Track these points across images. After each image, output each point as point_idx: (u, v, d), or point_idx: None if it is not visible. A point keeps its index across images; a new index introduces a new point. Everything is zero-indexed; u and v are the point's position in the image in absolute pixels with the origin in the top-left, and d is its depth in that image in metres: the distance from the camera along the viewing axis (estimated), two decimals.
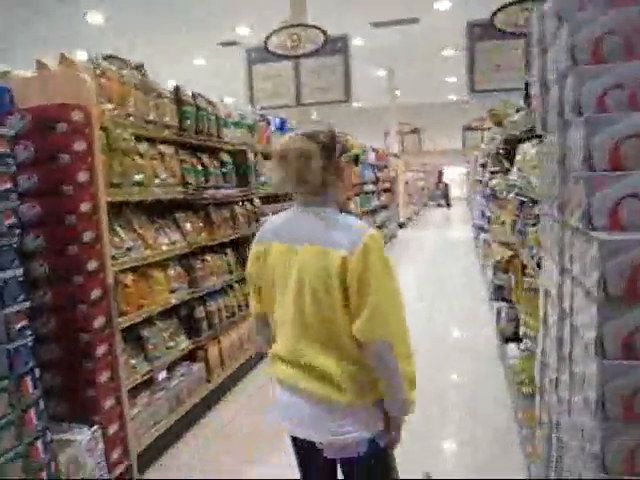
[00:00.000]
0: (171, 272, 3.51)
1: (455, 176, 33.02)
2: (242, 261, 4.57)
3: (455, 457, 3.34)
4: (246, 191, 4.57)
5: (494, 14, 7.46)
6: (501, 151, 5.23)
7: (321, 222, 1.66)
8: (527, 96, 3.44)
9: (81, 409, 2.60)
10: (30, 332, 2.17)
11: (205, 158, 4.01)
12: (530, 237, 3.38)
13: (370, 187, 11.08)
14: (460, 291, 7.48)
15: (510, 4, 7.42)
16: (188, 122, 3.67)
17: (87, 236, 2.56)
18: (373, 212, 11.53)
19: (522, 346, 3.66)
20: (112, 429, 2.69)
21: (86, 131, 2.57)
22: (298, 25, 7.97)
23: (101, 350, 2.63)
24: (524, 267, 4.08)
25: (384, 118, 20.47)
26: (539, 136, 3.57)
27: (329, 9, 9.23)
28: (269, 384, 1.84)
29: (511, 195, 3.92)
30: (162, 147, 3.44)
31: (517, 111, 4.14)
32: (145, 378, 3.14)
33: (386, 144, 21.20)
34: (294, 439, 1.81)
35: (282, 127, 5.67)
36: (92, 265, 2.59)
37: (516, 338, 4.49)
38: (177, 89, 3.59)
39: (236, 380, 4.35)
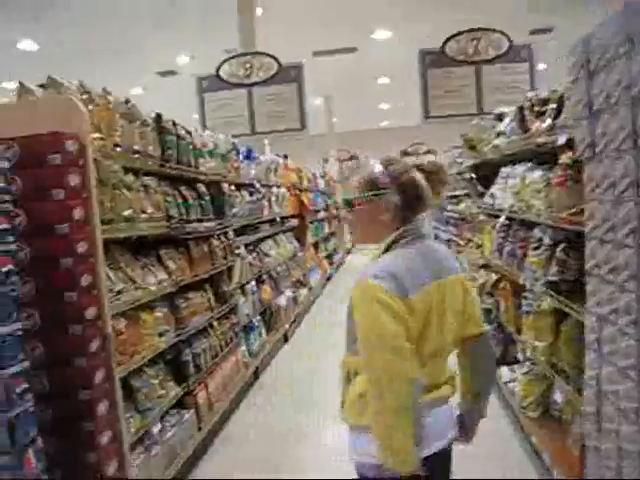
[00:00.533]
0: (158, 314, 3.22)
1: None
2: (221, 297, 4.33)
3: None
4: (222, 223, 4.34)
5: (445, 42, 7.67)
6: (473, 175, 5.27)
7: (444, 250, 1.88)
8: (523, 120, 3.44)
9: (81, 477, 2.28)
10: (30, 395, 1.88)
11: (184, 190, 3.77)
12: (531, 260, 3.36)
13: (321, 214, 11.00)
14: None
15: (459, 33, 7.65)
16: (170, 152, 3.43)
17: (85, 280, 2.28)
18: (325, 240, 11.45)
19: (523, 369, 3.61)
20: None
21: (81, 163, 2.31)
22: (251, 53, 7.87)
23: (102, 408, 2.32)
24: (516, 290, 4.07)
25: (322, 145, 20.61)
26: (531, 160, 3.62)
27: (272, 37, 9.17)
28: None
29: (502, 219, 3.91)
30: (146, 179, 3.18)
31: (498, 135, 4.16)
32: (140, 434, 2.83)
33: (324, 171, 21.36)
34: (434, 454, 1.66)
35: (249, 156, 5.49)
36: (91, 313, 2.30)
37: (504, 361, 4.48)
38: (159, 117, 3.36)
39: (222, 424, 4.06)
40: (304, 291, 8.10)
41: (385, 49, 12.01)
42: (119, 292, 2.72)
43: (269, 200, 6.26)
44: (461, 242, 6.80)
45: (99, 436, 2.29)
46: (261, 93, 7.81)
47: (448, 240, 8.39)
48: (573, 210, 2.68)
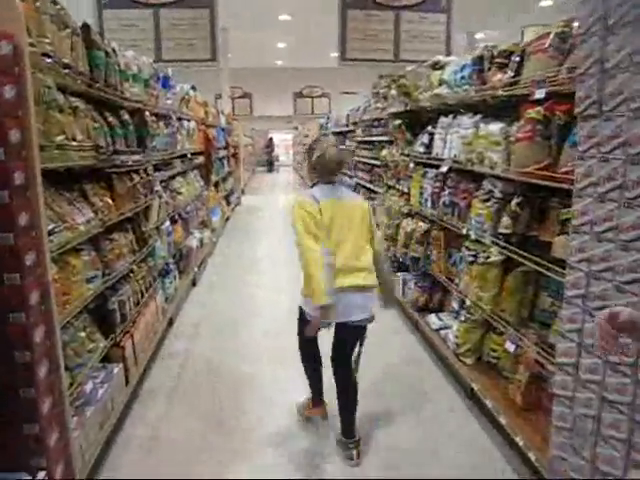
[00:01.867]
0: (86, 257, 2.81)
1: (279, 142, 33.26)
2: (140, 239, 3.93)
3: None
4: (146, 157, 3.89)
5: None
6: (399, 122, 5.18)
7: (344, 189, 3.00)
8: (481, 71, 3.36)
9: (21, 453, 1.94)
10: None
11: (110, 116, 3.27)
12: (478, 211, 3.36)
13: (222, 152, 10.48)
14: None
15: None
16: (98, 70, 2.93)
17: (23, 219, 1.86)
18: (224, 179, 10.99)
19: (461, 317, 3.68)
20: (58, 472, 2.06)
21: (16, 71, 1.84)
22: None
23: (43, 371, 1.97)
24: (448, 240, 4.12)
25: (216, 80, 19.55)
26: (478, 112, 3.58)
27: None
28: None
29: (444, 168, 3.87)
30: (74, 100, 2.68)
31: (440, 84, 4.07)
32: (72, 394, 2.48)
33: (217, 108, 20.39)
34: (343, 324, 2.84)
35: (165, 84, 4.95)
36: (30, 258, 1.90)
37: (427, 309, 4.58)
38: (86, 27, 2.83)
39: (144, 375, 3.77)
40: (207, 232, 7.72)
41: None
42: (50, 233, 2.30)
43: (181, 134, 5.76)
44: (375, 188, 6.79)
45: (41, 404, 1.94)
46: (169, 16, 7.06)
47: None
48: (540, 165, 2.68)
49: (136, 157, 3.54)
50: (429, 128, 4.60)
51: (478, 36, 15.60)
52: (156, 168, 4.66)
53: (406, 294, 4.88)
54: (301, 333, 3.09)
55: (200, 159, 7.39)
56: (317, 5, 12.73)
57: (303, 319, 2.97)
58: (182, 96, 5.73)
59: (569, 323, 2.20)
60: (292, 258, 5.71)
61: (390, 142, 5.85)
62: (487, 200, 3.31)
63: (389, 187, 5.79)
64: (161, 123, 4.73)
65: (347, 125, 9.13)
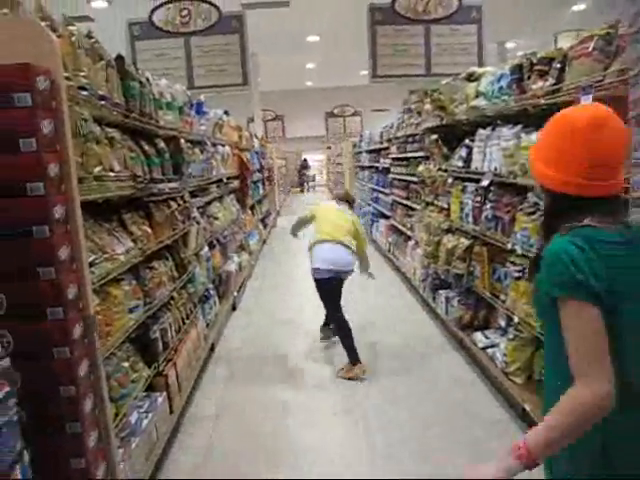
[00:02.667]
0: (127, 287, 2.81)
1: (312, 162, 33.42)
2: (180, 266, 3.93)
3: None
4: (182, 184, 3.91)
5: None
6: (435, 137, 5.10)
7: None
8: (520, 80, 3.26)
9: None
10: (14, 401, 1.50)
11: (146, 145, 3.30)
12: (523, 225, 3.24)
13: (257, 175, 10.56)
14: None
15: None
16: (133, 101, 2.96)
17: (64, 252, 1.86)
18: (259, 202, 11.04)
19: (509, 335, 3.54)
20: None
21: (53, 105, 1.85)
22: None
23: (88, 405, 1.95)
24: (492, 255, 3.99)
25: (247, 105, 19.85)
26: (518, 123, 3.47)
27: None
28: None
29: (485, 182, 3.76)
30: (110, 131, 2.71)
31: (476, 96, 3.99)
32: (117, 425, 2.45)
33: (250, 131, 20.66)
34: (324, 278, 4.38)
35: (199, 110, 5.00)
36: (72, 291, 1.89)
37: (471, 326, 4.44)
38: (120, 58, 2.86)
39: (188, 403, 3.74)
40: (245, 256, 7.74)
41: (319, 4, 11.41)
42: (91, 264, 2.30)
43: (216, 159, 5.81)
44: (413, 205, 6.69)
45: (87, 437, 1.91)
46: (200, 44, 7.19)
47: (392, 203, 8.30)
48: None
49: (173, 185, 3.56)
50: (466, 141, 4.50)
51: (509, 45, 15.42)
52: (193, 194, 4.69)
53: (449, 312, 4.74)
54: (326, 303, 4.55)
55: (235, 183, 7.43)
56: (345, 24, 12.87)
57: (320, 288, 4.47)
58: (215, 121, 5.79)
59: None
60: None
61: (426, 158, 5.76)
62: (532, 213, 3.19)
63: (427, 203, 5.68)
64: (196, 149, 4.77)
65: (381, 142, 9.06)
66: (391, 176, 8.22)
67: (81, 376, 1.89)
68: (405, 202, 7.22)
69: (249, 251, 8.14)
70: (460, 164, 4.51)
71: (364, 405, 3.69)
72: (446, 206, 4.94)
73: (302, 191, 28.74)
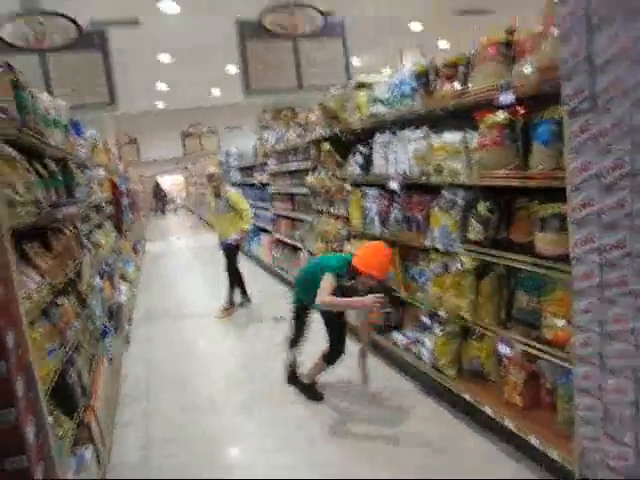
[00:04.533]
0: (40, 329, 2.42)
1: (171, 186, 32.36)
2: (79, 299, 3.52)
3: None
4: (77, 209, 3.51)
5: (261, 14, 7.37)
6: (326, 146, 5.14)
7: None
8: (426, 84, 3.38)
9: None
10: None
11: (38, 166, 2.90)
12: (441, 222, 3.35)
13: (124, 201, 9.90)
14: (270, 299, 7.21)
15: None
16: (27, 115, 2.59)
17: None
18: (129, 228, 10.37)
19: (436, 330, 3.62)
20: None
21: None
22: (39, 13, 6.55)
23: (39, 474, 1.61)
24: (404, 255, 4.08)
25: (101, 129, 18.66)
26: (417, 126, 3.61)
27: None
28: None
29: (394, 185, 3.83)
30: (9, 150, 2.33)
31: (374, 102, 4.08)
32: None
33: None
34: None
35: (78, 130, 4.56)
36: (10, 340, 1.56)
37: (386, 329, 4.50)
38: (9, 65, 2.48)
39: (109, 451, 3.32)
40: (126, 285, 7.19)
41: (171, 22, 11.02)
42: None
43: (94, 183, 5.33)
44: (300, 216, 6.69)
45: None
46: (59, 61, 6.59)
47: (274, 217, 8.26)
48: (511, 167, 2.72)
49: (72, 210, 3.16)
50: (360, 148, 4.59)
51: (355, 62, 16.21)
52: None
53: (360, 317, 4.75)
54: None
55: (109, 209, 6.90)
56: (197, 42, 12.63)
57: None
58: (93, 143, 5.32)
59: (584, 314, 2.20)
60: (218, 300, 5.48)
61: (314, 168, 5.79)
62: (450, 209, 3.31)
63: (320, 212, 5.70)
64: (79, 172, 4.33)
65: (255, 157, 8.97)
66: (271, 190, 8.16)
67: (29, 441, 1.56)
68: (291, 215, 7.20)
69: (129, 280, 7.59)
70: (357, 170, 4.58)
71: (301, 418, 3.57)
72: (344, 213, 4.98)
73: (163, 213, 27.85)
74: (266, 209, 8.64)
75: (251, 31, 7.38)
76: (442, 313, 3.51)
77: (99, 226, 5.70)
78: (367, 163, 4.46)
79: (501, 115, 2.75)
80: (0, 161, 2.04)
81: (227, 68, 16.20)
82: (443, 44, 14.72)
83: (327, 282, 3.45)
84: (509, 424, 2.93)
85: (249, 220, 6.33)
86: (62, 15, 6.51)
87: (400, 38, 13.30)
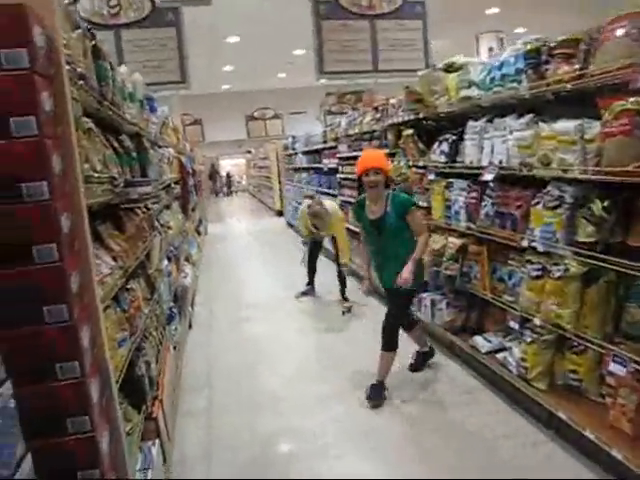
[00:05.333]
0: (113, 317, 2.25)
1: (232, 167, 32.67)
2: (149, 284, 3.37)
3: None
4: (153, 189, 3.35)
5: None
6: (408, 132, 4.80)
7: None
8: (537, 65, 3.00)
9: None
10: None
11: (114, 141, 2.74)
12: (546, 220, 2.98)
13: (190, 181, 9.86)
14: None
15: None
16: (106, 86, 2.41)
17: (75, 280, 1.33)
18: (193, 209, 10.34)
19: (526, 339, 3.27)
20: None
21: (52, 72, 1.32)
22: None
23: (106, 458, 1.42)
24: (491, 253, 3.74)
25: (168, 107, 18.86)
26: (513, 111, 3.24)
27: None
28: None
29: (489, 176, 3.47)
30: (87, 121, 2.15)
31: (469, 85, 3.72)
32: None
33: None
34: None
35: (152, 107, 4.42)
36: (86, 336, 1.36)
37: (465, 330, 4.18)
38: (90, 31, 2.30)
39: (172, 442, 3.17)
40: (190, 267, 7.12)
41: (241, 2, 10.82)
42: None
43: (164, 163, 5.21)
44: None
45: None
46: (132, 37, 6.52)
47: (341, 204, 7.98)
48: None
49: (147, 189, 2.99)
50: (446, 135, 4.24)
51: (433, 44, 15.64)
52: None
53: (436, 316, 4.45)
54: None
55: (177, 189, 6.81)
56: (266, 24, 12.43)
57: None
58: (163, 121, 5.19)
59: None
60: (281, 287, 5.30)
61: (392, 155, 5.46)
62: (556, 207, 2.94)
63: None
64: (152, 151, 4.19)
65: (325, 142, 8.71)
66: (339, 176, 7.89)
67: (103, 451, 1.36)
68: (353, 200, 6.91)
69: (192, 262, 7.52)
70: (442, 159, 4.24)
71: (372, 424, 3.31)
72: (424, 204, 4.65)
73: (224, 195, 28.60)
74: (334, 196, 8.38)
75: (327, 10, 7.08)
76: (537, 320, 3.15)
77: (168, 207, 5.59)
78: (454, 152, 4.12)
79: (630, 101, 2.36)
80: (79, 133, 1.84)
81: (295, 52, 16.00)
82: (521, 30, 13.94)
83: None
84: (617, 454, 2.57)
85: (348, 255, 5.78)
86: None
87: (475, 24, 12.69)
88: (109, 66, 2.47)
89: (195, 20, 11.11)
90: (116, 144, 2.73)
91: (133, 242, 2.85)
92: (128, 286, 2.69)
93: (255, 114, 22.76)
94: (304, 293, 6.41)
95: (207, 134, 22.85)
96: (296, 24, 7.88)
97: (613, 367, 2.67)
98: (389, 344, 3.62)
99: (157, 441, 2.56)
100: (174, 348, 4.04)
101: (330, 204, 5.97)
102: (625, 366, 2.59)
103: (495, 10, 12.85)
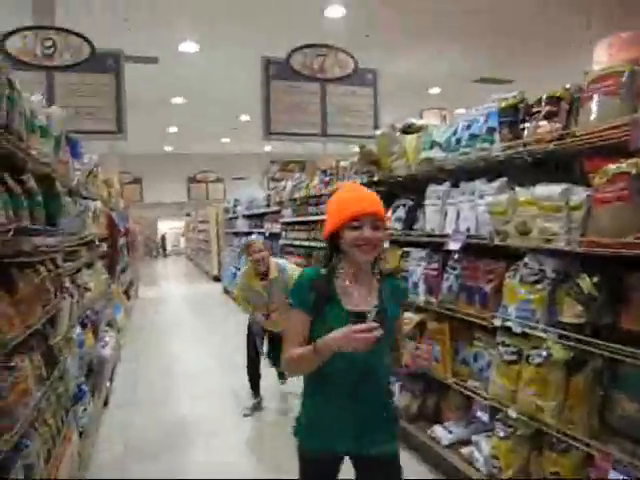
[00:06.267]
0: None
1: (168, 230, 31.98)
2: (49, 357, 2.73)
3: None
4: (61, 241, 2.77)
5: (290, 54, 6.90)
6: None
7: None
8: (514, 123, 2.71)
9: None
10: None
11: (9, 179, 2.19)
12: (523, 296, 2.61)
13: (121, 241, 9.18)
14: None
15: (306, 46, 6.98)
16: (3, 112, 1.90)
17: None
18: (123, 270, 9.59)
19: (499, 433, 2.81)
20: None
21: None
22: (51, 28, 6.05)
23: None
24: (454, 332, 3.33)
25: (104, 166, 18.14)
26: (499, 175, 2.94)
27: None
28: None
29: (455, 246, 3.10)
30: None
31: (431, 146, 3.43)
32: None
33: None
34: None
35: (74, 151, 3.89)
36: None
37: (419, 418, 3.70)
38: None
39: None
40: (113, 334, 6.36)
41: (189, 63, 10.57)
42: None
43: (88, 216, 4.62)
44: None
45: None
46: (65, 81, 6.03)
47: None
48: None
49: (51, 240, 2.42)
50: (404, 201, 3.93)
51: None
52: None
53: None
54: None
55: (104, 247, 6.16)
56: (211, 88, 12.26)
57: None
58: (90, 169, 4.64)
59: None
60: (218, 359, 4.80)
61: None
62: (536, 282, 2.58)
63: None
64: (68, 199, 3.62)
65: (268, 206, 8.32)
66: (282, 242, 7.46)
67: None
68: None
69: (117, 328, 6.76)
70: (399, 226, 3.89)
71: None
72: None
73: (156, 256, 28.63)
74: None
75: (277, 70, 6.88)
76: (512, 412, 2.72)
77: (89, 266, 4.95)
78: (412, 218, 3.78)
79: (631, 162, 2.07)
80: None
81: (240, 118, 15.91)
82: (461, 111, 14.48)
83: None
84: None
85: None
86: (76, 34, 5.98)
87: (420, 100, 13.05)
88: (8, 87, 1.97)
89: (141, 76, 10.83)
90: (11, 183, 2.18)
91: (27, 306, 2.26)
92: (10, 364, 2.08)
93: (197, 176, 22.37)
94: (255, 408, 4.73)
95: (147, 194, 22.16)
96: (243, 89, 7.66)
97: (613, 475, 2.22)
98: None
99: None
100: (80, 435, 3.33)
101: (284, 262, 4.84)
102: (630, 476, 2.16)
103: (436, 90, 13.38)
